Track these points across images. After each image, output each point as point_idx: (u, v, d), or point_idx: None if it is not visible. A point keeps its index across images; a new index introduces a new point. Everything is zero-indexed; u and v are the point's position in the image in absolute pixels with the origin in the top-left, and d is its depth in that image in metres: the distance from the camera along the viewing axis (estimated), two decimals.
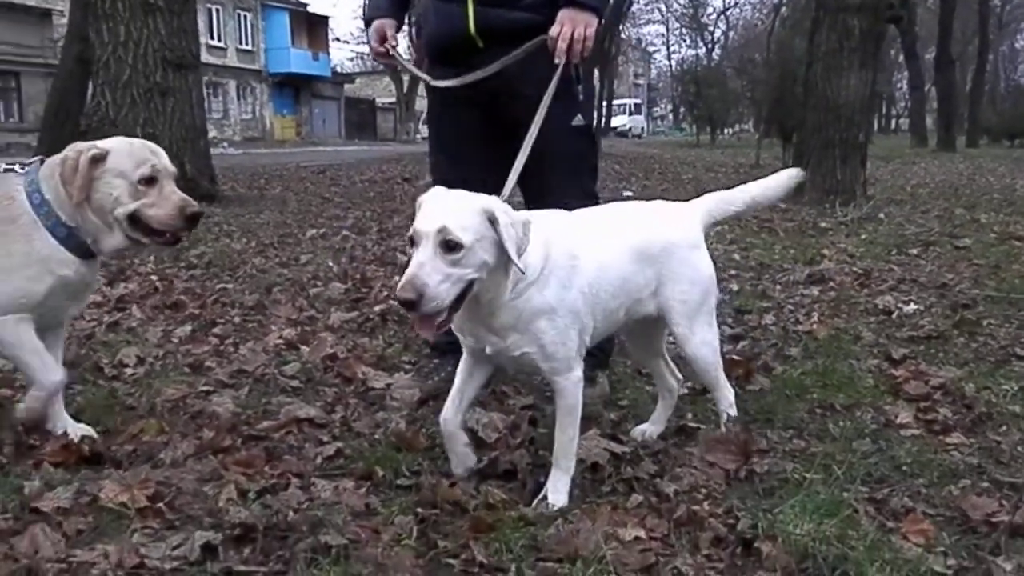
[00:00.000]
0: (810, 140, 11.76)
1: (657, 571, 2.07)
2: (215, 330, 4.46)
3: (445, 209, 2.23)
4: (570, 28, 3.10)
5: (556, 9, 3.14)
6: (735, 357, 3.79)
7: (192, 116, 10.23)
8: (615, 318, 2.66)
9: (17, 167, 2.74)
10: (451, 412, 2.62)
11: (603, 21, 3.41)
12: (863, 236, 8.24)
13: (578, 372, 2.51)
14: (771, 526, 2.22)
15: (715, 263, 2.83)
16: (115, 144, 2.73)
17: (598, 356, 3.40)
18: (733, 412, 2.90)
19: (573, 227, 2.60)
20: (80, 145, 2.71)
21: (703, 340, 2.79)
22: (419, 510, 2.38)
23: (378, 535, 2.23)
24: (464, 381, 2.63)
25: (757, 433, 2.97)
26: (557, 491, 2.46)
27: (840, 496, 2.42)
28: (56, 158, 2.72)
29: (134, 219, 2.70)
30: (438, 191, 2.38)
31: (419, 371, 3.62)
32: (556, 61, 3.10)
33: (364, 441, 2.94)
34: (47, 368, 2.74)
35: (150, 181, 2.70)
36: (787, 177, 3.00)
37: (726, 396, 2.91)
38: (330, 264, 6.55)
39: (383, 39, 3.48)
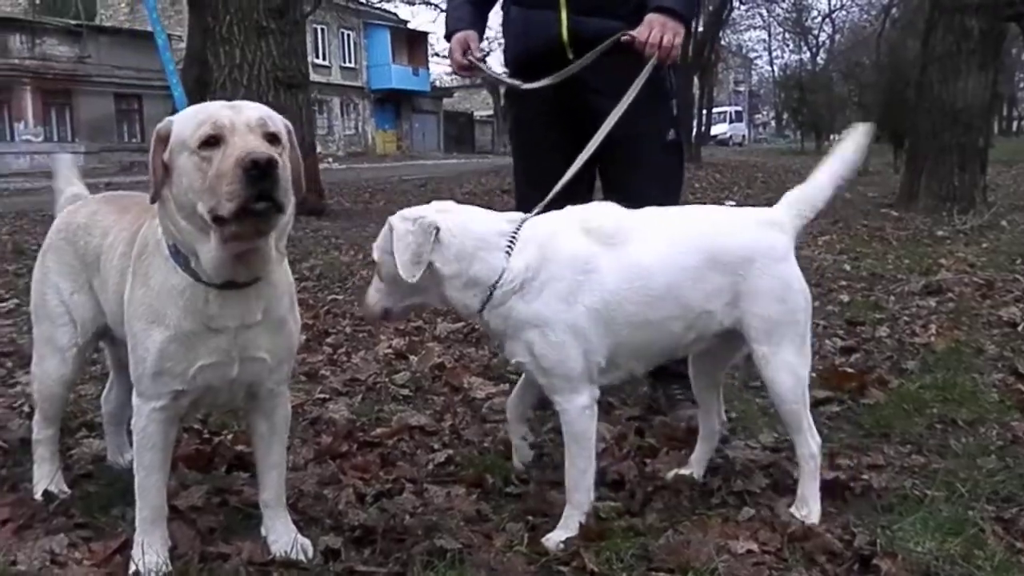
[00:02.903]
0: (925, 145, 11.35)
1: None
2: (328, 340, 4.61)
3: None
4: (659, 33, 2.99)
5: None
6: (848, 369, 3.74)
7: (302, 133, 10.55)
8: (669, 332, 2.38)
9: None
10: (514, 401, 2.67)
11: (691, 33, 3.32)
12: (984, 245, 7.95)
13: (583, 399, 2.31)
14: (890, 543, 2.18)
15: (824, 273, 2.61)
16: (181, 112, 2.00)
17: (687, 376, 3.33)
18: (810, 471, 2.41)
19: (604, 229, 2.36)
20: None
21: (785, 364, 2.37)
22: (529, 517, 2.43)
23: (490, 540, 2.29)
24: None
25: (873, 448, 2.91)
26: (565, 526, 2.31)
27: (964, 514, 2.35)
28: None
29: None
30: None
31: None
32: (644, 61, 3.00)
33: (473, 449, 3.00)
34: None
35: (212, 143, 1.83)
36: (858, 134, 2.56)
37: (806, 444, 2.41)
38: None
39: (465, 51, 3.36)
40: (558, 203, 2.56)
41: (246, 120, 1.85)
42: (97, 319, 2.45)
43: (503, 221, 2.38)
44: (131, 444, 2.25)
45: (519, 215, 2.45)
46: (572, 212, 2.44)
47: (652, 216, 2.49)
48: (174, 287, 1.98)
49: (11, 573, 2.07)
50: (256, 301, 2.02)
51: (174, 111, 2.10)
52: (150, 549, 2.10)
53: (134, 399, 2.12)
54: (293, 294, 2.21)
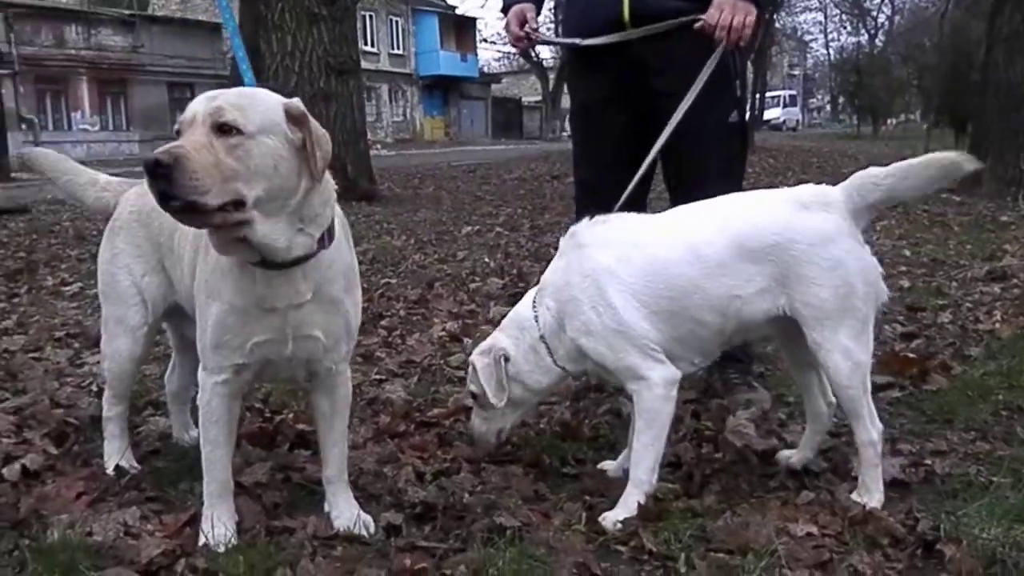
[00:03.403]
0: (989, 129, 11.05)
1: (832, 568, 2.04)
2: (383, 322, 4.67)
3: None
4: (729, 14, 2.97)
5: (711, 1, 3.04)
6: (909, 355, 3.69)
7: (353, 119, 10.68)
8: (704, 322, 2.40)
9: None
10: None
11: (764, 16, 3.26)
12: None
13: (655, 375, 2.38)
14: (955, 529, 2.15)
15: (883, 259, 2.46)
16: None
17: (744, 361, 3.37)
18: (869, 458, 2.36)
19: (619, 233, 2.48)
20: None
21: (840, 349, 2.31)
22: (586, 497, 2.45)
23: (549, 519, 2.31)
24: None
25: (936, 434, 2.89)
26: (624, 505, 2.34)
27: None
28: None
29: None
30: None
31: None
32: (714, 46, 2.99)
33: (529, 430, 3.02)
34: None
35: (179, 134, 1.89)
36: (953, 161, 2.35)
37: (866, 431, 2.36)
38: (486, 260, 6.72)
39: (523, 23, 3.36)
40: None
41: (206, 110, 1.86)
42: (167, 298, 2.51)
43: (526, 301, 2.61)
44: (196, 421, 2.32)
45: (529, 293, 2.63)
46: (579, 241, 2.53)
47: (676, 213, 2.57)
48: (225, 266, 2.05)
49: (87, 544, 2.14)
50: (304, 282, 2.05)
51: None
52: (218, 522, 2.16)
53: (200, 374, 2.18)
54: (351, 275, 2.21)
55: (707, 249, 2.37)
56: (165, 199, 1.79)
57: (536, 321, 2.52)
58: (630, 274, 2.39)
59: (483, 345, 2.62)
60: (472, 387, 2.60)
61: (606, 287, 2.39)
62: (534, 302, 2.56)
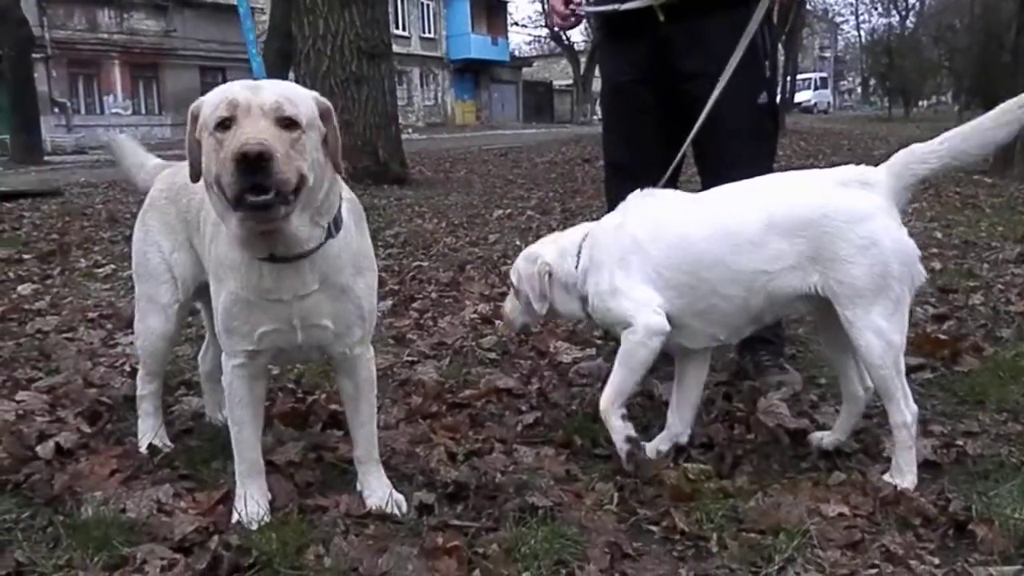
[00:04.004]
0: None
1: (863, 548, 2.03)
2: (414, 305, 4.69)
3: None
4: None
5: None
6: (940, 336, 3.66)
7: (385, 103, 10.68)
8: (729, 297, 2.44)
9: None
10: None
11: None
12: None
13: (638, 322, 2.50)
14: (987, 509, 2.15)
15: (914, 240, 2.38)
16: (212, 91, 1.97)
17: (775, 343, 3.36)
18: (903, 439, 2.35)
19: (658, 208, 2.59)
20: None
21: (873, 328, 2.29)
22: (618, 478, 2.45)
23: (580, 499, 2.32)
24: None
25: (967, 415, 2.86)
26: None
27: None
28: None
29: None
30: None
31: (600, 351, 3.64)
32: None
33: (561, 412, 3.03)
34: None
35: (225, 124, 1.85)
36: (1011, 104, 2.31)
37: (900, 412, 2.34)
38: (518, 243, 6.70)
39: (567, 2, 3.35)
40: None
41: (261, 103, 1.84)
42: (197, 276, 2.52)
43: (577, 236, 2.78)
44: None
45: (585, 228, 2.80)
46: (628, 208, 2.67)
47: (716, 192, 2.58)
48: (233, 259, 2.06)
49: (120, 520, 2.17)
50: (311, 274, 2.05)
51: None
52: (251, 499, 2.19)
53: (223, 357, 2.22)
54: (361, 261, 2.20)
55: (737, 225, 2.41)
56: (258, 190, 1.78)
57: (577, 258, 2.72)
58: (657, 249, 2.50)
59: (529, 251, 2.87)
60: (513, 279, 2.88)
61: (630, 259, 2.53)
62: (582, 241, 2.73)
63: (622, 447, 2.52)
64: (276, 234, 1.92)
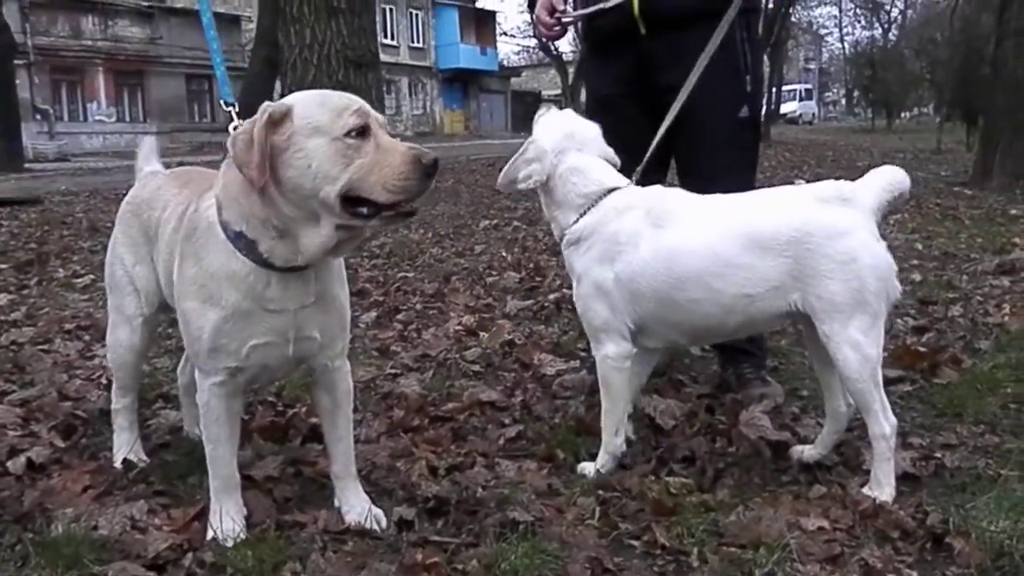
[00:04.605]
0: (999, 123, 11.02)
1: (843, 562, 2.03)
2: (399, 316, 4.67)
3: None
4: None
5: None
6: (920, 348, 3.67)
7: None
8: (704, 313, 2.48)
9: None
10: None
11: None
12: None
13: (606, 349, 2.58)
14: (964, 522, 2.15)
15: (895, 252, 2.44)
16: (299, 96, 1.97)
17: (757, 355, 3.37)
18: (882, 452, 2.35)
19: (659, 212, 2.53)
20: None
21: (850, 342, 2.32)
22: (600, 492, 2.44)
23: (562, 514, 2.31)
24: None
25: (945, 427, 2.88)
26: (599, 461, 2.62)
27: None
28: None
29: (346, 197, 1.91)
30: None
31: (584, 364, 3.61)
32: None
33: (544, 425, 3.02)
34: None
35: (361, 133, 1.90)
36: None
37: (879, 424, 2.34)
38: (504, 254, 6.72)
39: (552, 11, 3.33)
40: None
41: (376, 117, 1.93)
42: (160, 290, 2.48)
43: (595, 184, 2.64)
44: None
45: (618, 181, 2.67)
46: (649, 191, 2.63)
47: (707, 203, 2.57)
48: (235, 272, 1.99)
49: (92, 538, 2.14)
50: (313, 283, 2.07)
51: (243, 92, 2.13)
52: (227, 516, 2.17)
53: (196, 374, 2.19)
54: (342, 270, 2.25)
55: (719, 247, 2.43)
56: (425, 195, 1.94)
57: (587, 209, 2.62)
58: (643, 255, 2.50)
59: (557, 129, 2.74)
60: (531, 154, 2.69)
61: (616, 258, 2.53)
62: (603, 197, 2.62)
63: (608, 466, 2.61)
64: (356, 238, 2.05)
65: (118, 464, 2.62)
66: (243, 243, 1.97)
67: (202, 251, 2.03)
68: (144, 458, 2.68)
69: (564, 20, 3.37)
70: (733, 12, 3.01)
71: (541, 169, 2.65)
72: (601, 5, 3.22)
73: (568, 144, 2.68)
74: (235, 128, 2.00)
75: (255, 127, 1.87)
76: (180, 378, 2.96)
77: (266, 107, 1.91)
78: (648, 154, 2.89)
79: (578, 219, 2.61)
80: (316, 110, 1.90)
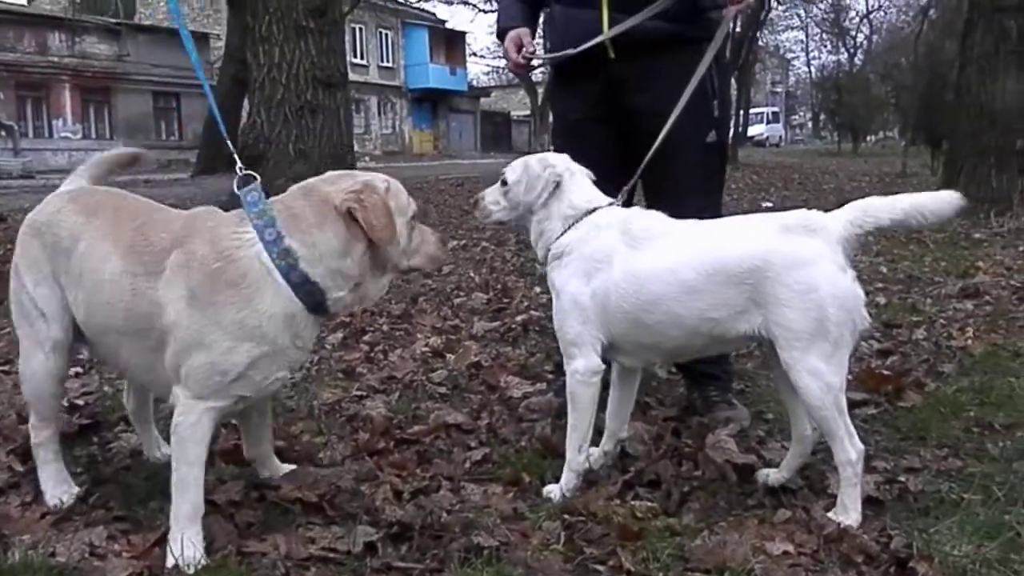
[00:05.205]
0: (962, 147, 11.21)
1: None
2: (365, 338, 4.64)
3: (517, 160, 2.86)
4: None
5: (694, 20, 3.08)
6: (884, 372, 3.70)
7: (340, 133, 10.62)
8: (669, 336, 2.53)
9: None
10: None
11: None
12: (1021, 248, 7.81)
13: (578, 363, 2.60)
14: (927, 546, 2.17)
15: (860, 275, 2.47)
16: (387, 179, 2.40)
17: (723, 379, 3.40)
18: (848, 477, 2.36)
19: (634, 233, 2.57)
20: (355, 176, 2.38)
21: (809, 369, 2.33)
22: (566, 516, 2.43)
23: (527, 539, 2.30)
24: None
25: (909, 451, 2.90)
26: (563, 481, 2.63)
27: (1001, 518, 2.33)
28: (290, 206, 2.25)
29: None
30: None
31: (550, 386, 3.62)
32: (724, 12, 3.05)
33: (510, 447, 3.01)
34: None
35: (415, 218, 2.45)
36: (945, 201, 2.50)
37: (844, 450, 2.36)
38: (472, 275, 6.71)
39: (519, 48, 3.35)
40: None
41: None
42: (66, 311, 2.44)
43: (583, 202, 2.71)
44: (166, 439, 2.39)
45: (602, 200, 2.74)
46: (630, 212, 2.71)
47: (676, 228, 2.61)
48: (292, 315, 2.20)
49: (50, 565, 2.10)
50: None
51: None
52: (188, 542, 2.13)
53: (185, 399, 2.18)
54: None
55: (685, 272, 2.46)
56: None
57: (574, 221, 2.68)
58: (617, 275, 2.54)
59: (549, 157, 2.82)
60: (511, 176, 2.78)
61: (593, 275, 2.57)
62: (589, 214, 2.68)
63: (570, 484, 2.61)
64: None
65: (55, 504, 2.49)
66: (306, 289, 2.20)
67: (256, 296, 2.16)
68: (73, 490, 2.55)
69: (533, 63, 3.42)
70: (717, 44, 3.09)
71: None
72: (569, 51, 3.24)
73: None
74: (242, 171, 2.31)
75: (383, 199, 2.28)
76: (127, 405, 2.89)
77: (386, 181, 2.37)
78: (636, 176, 2.94)
79: (562, 234, 2.67)
80: (399, 194, 2.38)
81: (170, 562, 2.11)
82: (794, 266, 2.35)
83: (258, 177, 2.31)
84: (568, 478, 2.62)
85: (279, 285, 2.17)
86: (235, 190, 2.29)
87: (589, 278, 2.57)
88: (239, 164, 2.38)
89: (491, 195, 2.85)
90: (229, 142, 2.77)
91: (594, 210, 2.68)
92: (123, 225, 2.33)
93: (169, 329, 2.17)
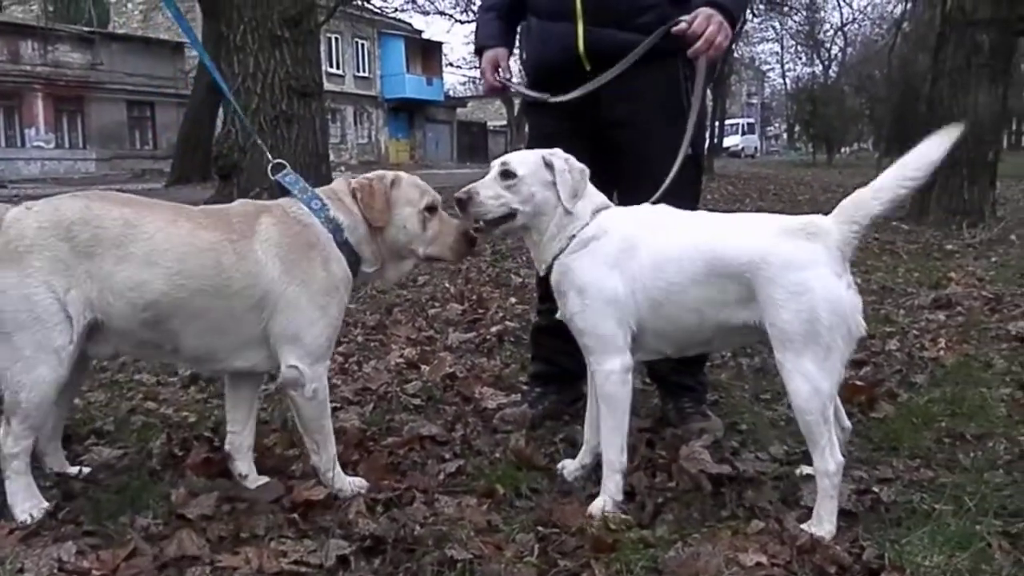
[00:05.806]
0: None
1: None
2: (339, 349, 4.60)
3: (512, 154, 2.80)
4: (713, 28, 2.99)
5: (668, 33, 3.07)
6: (857, 383, 3.72)
7: (315, 142, 10.61)
8: (684, 322, 2.56)
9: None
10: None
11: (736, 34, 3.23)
12: (993, 259, 7.93)
13: (613, 363, 2.58)
14: (899, 556, 2.18)
15: None
16: (398, 173, 2.79)
17: (697, 390, 3.41)
18: (825, 488, 2.37)
19: (649, 222, 2.63)
20: (370, 174, 2.79)
21: (802, 372, 2.36)
22: (539, 528, 2.43)
23: (501, 551, 2.29)
24: None
25: (882, 461, 2.92)
26: (606, 489, 2.59)
27: (972, 529, 2.34)
28: (332, 187, 2.74)
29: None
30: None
31: (525, 397, 3.62)
32: (689, 53, 3.04)
33: (484, 459, 3.00)
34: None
35: (432, 210, 2.74)
36: (943, 133, 2.45)
37: (823, 460, 2.37)
38: (447, 286, 6.70)
39: (496, 68, 3.42)
40: None
41: (439, 200, 2.80)
42: (87, 314, 2.43)
43: (601, 199, 2.76)
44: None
45: (607, 202, 2.79)
46: (640, 206, 2.76)
47: (688, 218, 2.67)
48: (345, 276, 2.65)
49: None
50: None
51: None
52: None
53: (308, 369, 2.60)
54: None
55: (690, 262, 2.50)
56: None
57: (586, 224, 2.67)
58: (643, 261, 2.56)
59: (565, 155, 2.75)
60: (522, 170, 2.69)
61: (621, 263, 2.57)
62: (603, 210, 2.72)
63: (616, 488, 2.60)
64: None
65: (23, 519, 2.43)
66: (349, 251, 2.66)
67: (330, 256, 2.61)
68: (44, 504, 2.50)
69: (508, 86, 3.47)
70: (703, 75, 3.13)
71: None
72: (546, 97, 3.29)
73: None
74: (273, 166, 2.73)
75: (381, 185, 2.70)
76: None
77: (383, 174, 2.76)
78: (668, 180, 2.96)
79: (582, 229, 2.66)
80: (410, 187, 2.75)
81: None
82: (790, 268, 2.38)
83: (287, 164, 2.75)
84: (615, 481, 2.59)
85: (338, 256, 2.62)
86: (269, 175, 2.73)
87: (616, 266, 2.57)
88: (267, 155, 2.87)
89: (488, 189, 2.68)
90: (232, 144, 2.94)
91: (601, 210, 2.72)
92: (179, 209, 2.59)
93: (270, 287, 2.51)
